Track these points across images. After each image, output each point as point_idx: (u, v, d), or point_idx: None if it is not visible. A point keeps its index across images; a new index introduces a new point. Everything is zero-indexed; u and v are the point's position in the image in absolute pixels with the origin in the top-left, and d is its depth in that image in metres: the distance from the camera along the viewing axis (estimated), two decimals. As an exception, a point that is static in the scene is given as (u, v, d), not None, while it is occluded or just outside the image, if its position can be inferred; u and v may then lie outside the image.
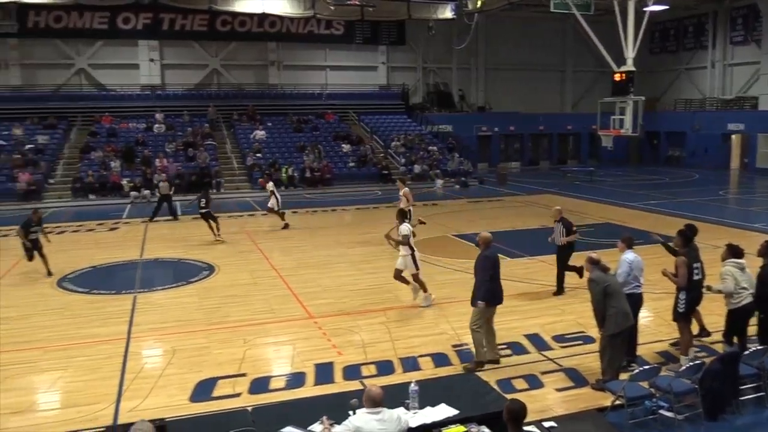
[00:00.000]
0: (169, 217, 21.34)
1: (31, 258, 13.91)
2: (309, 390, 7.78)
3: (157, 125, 31.96)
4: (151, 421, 4.69)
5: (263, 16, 33.07)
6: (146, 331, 10.07)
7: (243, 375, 8.23)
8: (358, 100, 37.21)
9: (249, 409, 6.57)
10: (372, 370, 8.36)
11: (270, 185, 19.82)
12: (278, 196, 19.46)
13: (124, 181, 26.54)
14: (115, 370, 8.49)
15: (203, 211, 17.61)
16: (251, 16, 33.07)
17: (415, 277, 11.04)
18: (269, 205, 19.45)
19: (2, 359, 8.89)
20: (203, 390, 7.81)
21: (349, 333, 9.81)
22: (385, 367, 8.43)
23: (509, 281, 12.58)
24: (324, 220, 21.58)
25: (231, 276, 13.54)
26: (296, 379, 8.11)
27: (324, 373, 8.27)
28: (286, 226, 19.17)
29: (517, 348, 9.03)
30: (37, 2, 29.27)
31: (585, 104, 39.51)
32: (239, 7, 31.38)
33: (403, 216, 11.62)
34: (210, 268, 14.23)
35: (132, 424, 4.65)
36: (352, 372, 8.29)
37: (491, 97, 40.61)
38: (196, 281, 13.27)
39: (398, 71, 39.28)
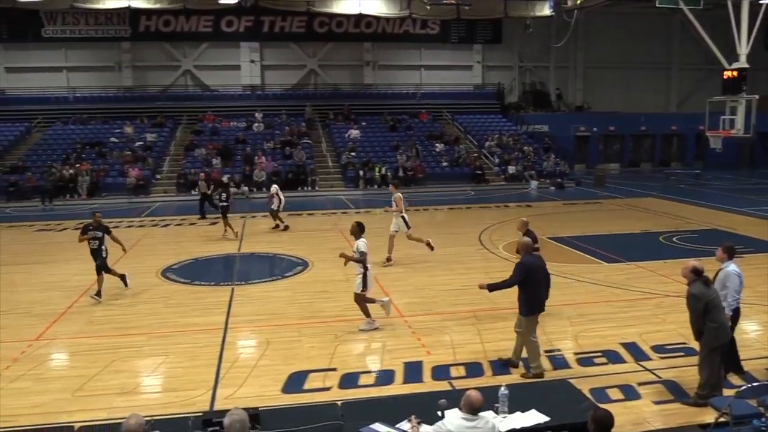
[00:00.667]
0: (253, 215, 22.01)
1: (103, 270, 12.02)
2: (397, 388, 7.79)
3: (256, 124, 33.07)
4: (245, 409, 4.82)
5: (360, 17, 33.57)
6: (242, 323, 10.42)
7: (333, 370, 8.35)
8: (453, 100, 37.02)
9: (339, 403, 6.65)
10: (461, 371, 8.27)
11: (274, 188, 19.35)
12: (282, 198, 19.16)
13: (224, 178, 27.59)
14: (212, 358, 8.83)
15: (224, 204, 18.09)
16: (348, 17, 33.67)
17: (361, 298, 9.88)
18: (272, 207, 19.10)
19: (112, 343, 9.45)
20: (295, 382, 7.98)
21: (439, 333, 9.75)
22: (474, 369, 8.32)
23: (606, 287, 12.18)
24: (416, 220, 21.50)
25: (324, 272, 13.78)
26: (385, 377, 8.15)
27: (413, 371, 8.26)
28: (285, 228, 18.93)
29: (612, 356, 8.68)
30: (148, 7, 30.99)
31: (691, 103, 37.43)
32: (336, 9, 31.99)
33: (360, 230, 9.99)
34: (304, 264, 14.55)
35: (227, 410, 4.79)
36: (440, 372, 8.24)
37: (590, 96, 39.31)
38: (290, 276, 13.61)
39: (494, 70, 38.73)
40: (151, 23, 33.91)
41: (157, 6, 30.87)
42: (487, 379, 7.89)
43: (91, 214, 12.76)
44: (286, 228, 19.01)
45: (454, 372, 8.24)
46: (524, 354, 8.22)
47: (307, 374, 8.21)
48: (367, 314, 9.95)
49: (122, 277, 12.43)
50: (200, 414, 6.34)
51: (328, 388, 7.80)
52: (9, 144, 30.76)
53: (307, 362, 8.61)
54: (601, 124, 37.50)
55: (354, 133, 32.58)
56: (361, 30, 35.09)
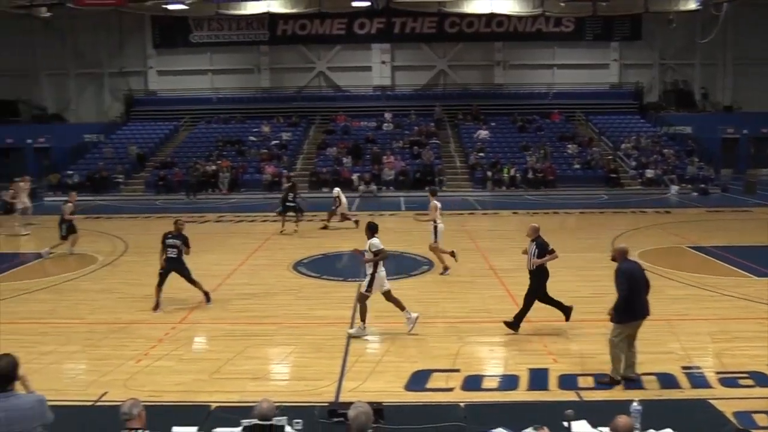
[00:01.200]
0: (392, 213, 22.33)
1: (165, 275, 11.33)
2: (522, 394, 7.61)
3: (386, 124, 33.62)
4: (369, 403, 4.88)
5: (491, 16, 33.19)
6: (368, 319, 10.58)
7: (457, 371, 8.28)
8: (587, 100, 35.60)
9: (461, 405, 6.60)
10: (589, 382, 7.92)
11: (336, 191, 19.84)
12: (344, 201, 19.47)
13: (354, 176, 28.31)
14: (338, 351, 9.06)
15: (291, 204, 19.00)
16: (479, 16, 33.38)
17: (363, 298, 9.67)
18: (337, 209, 19.39)
19: (246, 330, 9.96)
20: (418, 380, 8.00)
21: (567, 341, 9.42)
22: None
23: (756, 303, 11.20)
24: (545, 224, 20.80)
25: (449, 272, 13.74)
26: (509, 382, 7.98)
27: (538, 379, 8.02)
28: (356, 222, 18.87)
29: (761, 379, 7.95)
30: (285, 12, 32.44)
31: None
32: (468, 9, 31.82)
33: (371, 231, 9.84)
34: (430, 264, 14.57)
35: (352, 403, 4.88)
36: (568, 382, 7.93)
37: (740, 95, 36.33)
38: (416, 275, 13.69)
39: (632, 68, 36.87)
40: (287, 27, 35.47)
41: (294, 11, 32.24)
42: (618, 393, 7.50)
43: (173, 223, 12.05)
44: (357, 222, 18.83)
45: (582, 382, 7.91)
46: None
47: (431, 373, 8.20)
48: (363, 318, 9.67)
49: (206, 294, 11.56)
50: (326, 404, 6.52)
51: (450, 389, 7.76)
52: (159, 141, 33.40)
53: (431, 361, 8.61)
54: (752, 125, 34.60)
55: (483, 133, 32.26)
56: (492, 29, 34.66)
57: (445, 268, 13.67)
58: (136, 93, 37.03)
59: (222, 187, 28.05)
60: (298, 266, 14.52)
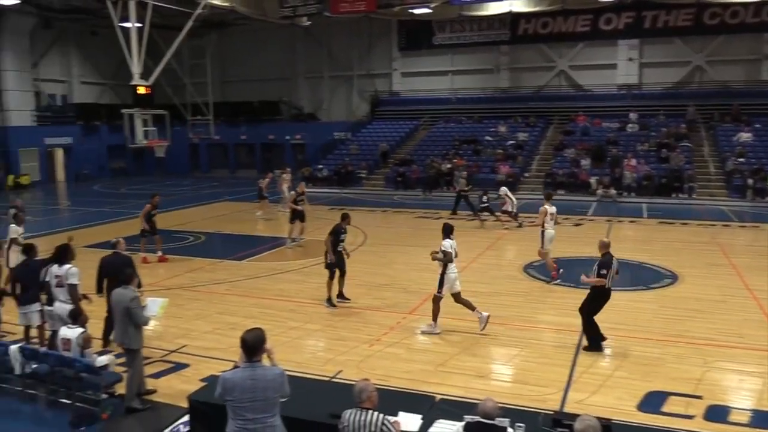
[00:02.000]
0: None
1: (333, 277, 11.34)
2: (779, 434, 6.66)
3: (630, 125, 31.60)
4: (597, 417, 4.63)
5: (761, 4, 29.42)
6: (601, 329, 10.05)
7: (698, 397, 7.52)
8: None
9: (704, 435, 5.97)
10: None
11: (503, 190, 20.68)
12: (513, 199, 20.18)
13: (593, 179, 27.04)
14: (565, 360, 8.74)
15: (484, 205, 20.29)
16: (746, 5, 29.80)
17: (436, 299, 9.82)
18: (507, 208, 20.00)
19: (473, 327, 10.02)
20: (652, 401, 7.42)
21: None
22: None
23: None
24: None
25: (696, 288, 12.52)
26: (762, 419, 7.02)
27: (801, 419, 6.95)
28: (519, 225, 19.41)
29: None
30: (527, 11, 32.04)
31: None
32: (735, -3, 28.55)
33: (446, 231, 9.84)
34: (672, 276, 13.43)
35: (578, 415, 4.66)
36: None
37: None
38: (656, 288, 12.69)
39: None
40: (529, 26, 35.05)
41: (537, 9, 31.69)
42: None
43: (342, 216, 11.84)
44: (520, 225, 19.42)
45: None
46: None
47: (667, 396, 7.55)
48: (434, 317, 9.90)
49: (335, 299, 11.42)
50: (551, 412, 6.31)
51: (690, 416, 7.06)
52: (400, 139, 35.11)
53: (669, 383, 7.92)
54: None
55: (744, 136, 28.75)
56: (762, 19, 30.71)
57: (554, 278, 13.02)
58: (381, 94, 39.35)
59: (456, 185, 28.62)
60: (528, 268, 14.28)
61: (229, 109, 41.13)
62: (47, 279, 8.42)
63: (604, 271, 8.98)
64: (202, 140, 40.85)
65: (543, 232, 13.34)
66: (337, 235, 11.23)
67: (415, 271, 13.95)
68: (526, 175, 29.48)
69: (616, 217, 21.70)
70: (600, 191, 26.16)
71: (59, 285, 8.29)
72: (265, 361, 5.02)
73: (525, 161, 30.20)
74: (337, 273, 11.36)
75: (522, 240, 17.62)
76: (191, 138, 40.65)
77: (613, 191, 26.00)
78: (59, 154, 37.33)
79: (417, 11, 32.13)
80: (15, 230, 11.74)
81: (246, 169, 41.17)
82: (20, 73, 35.04)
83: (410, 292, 12.33)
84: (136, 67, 24.31)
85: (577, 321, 10.19)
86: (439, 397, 6.80)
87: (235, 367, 5.06)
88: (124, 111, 26.27)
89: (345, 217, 11.56)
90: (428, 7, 31.28)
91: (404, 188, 29.36)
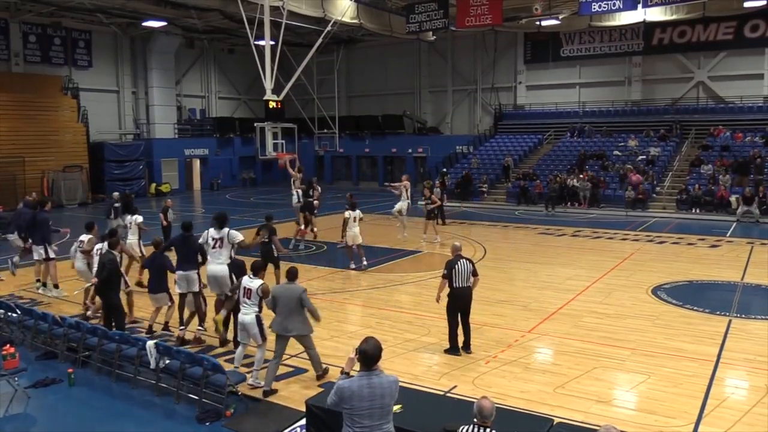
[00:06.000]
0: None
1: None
2: None
3: (776, 140, 29.13)
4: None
5: None
6: (738, 360, 9.29)
7: None
8: None
9: None
10: None
11: None
12: None
13: (733, 198, 25.15)
14: (698, 390, 8.14)
15: None
16: None
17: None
18: None
19: (595, 350, 9.62)
20: (798, 443, 6.75)
21: None
22: None
23: None
24: None
25: None
26: None
27: None
28: None
29: None
30: (663, 20, 30.43)
31: None
32: None
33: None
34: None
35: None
36: None
37: None
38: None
39: None
40: (664, 35, 33.34)
41: (674, 17, 30.02)
42: None
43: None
44: None
45: None
46: None
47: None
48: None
49: None
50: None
51: None
52: (523, 153, 34.45)
53: (818, 424, 7.17)
54: None
55: None
56: None
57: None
58: (505, 107, 38.84)
59: (582, 201, 27.67)
60: (657, 290, 13.48)
61: (353, 122, 42.24)
62: (207, 241, 10.18)
63: (446, 272, 9.37)
64: (327, 152, 42.26)
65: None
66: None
67: (536, 289, 13.60)
68: (658, 190, 27.90)
69: (759, 239, 19.99)
70: (740, 210, 24.23)
71: (217, 246, 10.04)
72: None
73: (657, 176, 28.61)
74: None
75: (650, 261, 16.66)
76: (317, 151, 42.19)
77: (755, 210, 23.98)
78: (196, 165, 40.04)
79: (545, 23, 31.51)
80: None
81: (368, 181, 42.07)
82: (165, 89, 38.09)
83: (530, 310, 12.02)
84: (268, 83, 25.50)
85: (714, 351, 9.54)
86: (557, 420, 6.55)
87: (343, 373, 5.14)
88: (256, 124, 27.61)
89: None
90: (556, 19, 30.60)
91: (526, 203, 28.74)
